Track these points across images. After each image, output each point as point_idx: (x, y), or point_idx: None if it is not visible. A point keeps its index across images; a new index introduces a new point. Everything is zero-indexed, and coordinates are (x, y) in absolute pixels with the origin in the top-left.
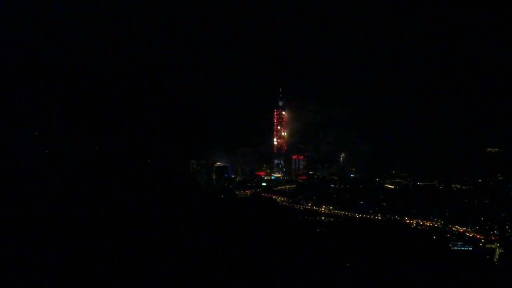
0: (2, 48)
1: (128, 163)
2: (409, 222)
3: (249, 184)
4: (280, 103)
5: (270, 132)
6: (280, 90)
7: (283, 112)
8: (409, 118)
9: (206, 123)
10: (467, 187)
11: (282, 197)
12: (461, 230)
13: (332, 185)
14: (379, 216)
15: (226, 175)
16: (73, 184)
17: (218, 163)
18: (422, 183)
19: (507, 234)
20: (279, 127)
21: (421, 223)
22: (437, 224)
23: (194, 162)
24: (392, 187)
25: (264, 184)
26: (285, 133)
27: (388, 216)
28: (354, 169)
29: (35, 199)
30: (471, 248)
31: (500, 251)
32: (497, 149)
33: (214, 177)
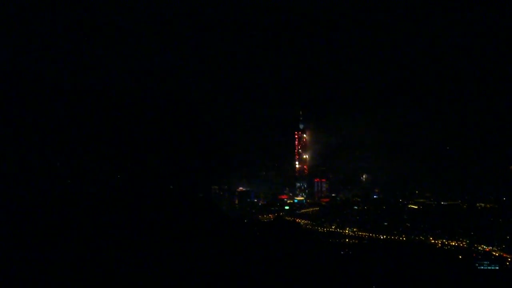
0: None
1: (152, 190)
2: (434, 242)
3: (272, 208)
4: (301, 126)
5: (291, 155)
6: (301, 113)
7: (304, 135)
8: (431, 138)
9: (228, 148)
10: (491, 205)
11: (305, 220)
12: (487, 249)
13: (356, 207)
14: (404, 237)
15: (249, 200)
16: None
17: (241, 188)
18: (445, 203)
19: None
20: (300, 150)
21: (446, 243)
22: (463, 244)
23: (217, 187)
24: (416, 207)
25: (287, 207)
26: (307, 156)
27: (412, 236)
28: (377, 190)
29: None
30: (497, 267)
31: None
32: None
33: (237, 202)
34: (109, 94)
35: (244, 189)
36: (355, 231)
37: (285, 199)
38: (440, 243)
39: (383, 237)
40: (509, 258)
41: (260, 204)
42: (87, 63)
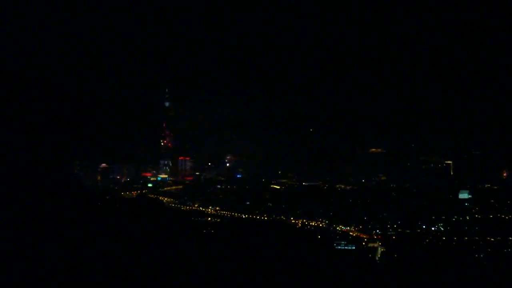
0: None
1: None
2: (295, 222)
3: (135, 185)
4: (167, 104)
5: (156, 132)
6: (167, 90)
7: (170, 112)
8: (295, 119)
9: (91, 121)
10: (350, 187)
11: (168, 198)
12: (345, 230)
13: (219, 186)
14: (265, 217)
15: (111, 176)
16: None
17: (104, 164)
18: (307, 183)
19: (389, 233)
20: (165, 128)
21: (306, 223)
22: (322, 224)
23: (78, 162)
24: (278, 187)
25: (150, 185)
26: (172, 134)
27: (274, 216)
28: (241, 170)
29: None
30: (354, 247)
31: (382, 249)
32: (379, 150)
33: (99, 178)
34: None
35: (106, 166)
36: (218, 210)
37: (149, 177)
38: (300, 223)
39: (245, 216)
40: (365, 238)
41: (122, 181)
42: None
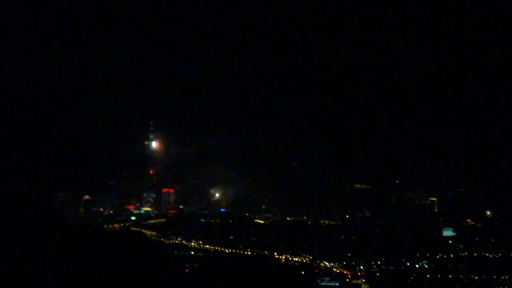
0: None
1: None
2: (278, 257)
3: (118, 218)
4: (151, 136)
5: (140, 165)
6: (152, 123)
7: (154, 145)
8: (280, 154)
9: (74, 152)
10: (335, 222)
11: (151, 231)
12: (329, 266)
13: (202, 220)
14: (249, 251)
15: (94, 209)
16: None
17: (87, 196)
18: (291, 219)
19: (372, 269)
20: (149, 161)
21: (290, 258)
22: (306, 260)
23: (61, 194)
24: (262, 222)
25: (133, 218)
26: (156, 167)
27: (257, 251)
28: (224, 204)
29: None
30: (337, 284)
31: (366, 286)
32: (364, 186)
33: (82, 210)
34: None
35: (90, 198)
36: (201, 243)
37: (132, 209)
38: (284, 258)
39: (228, 250)
40: (349, 274)
41: (106, 213)
42: None
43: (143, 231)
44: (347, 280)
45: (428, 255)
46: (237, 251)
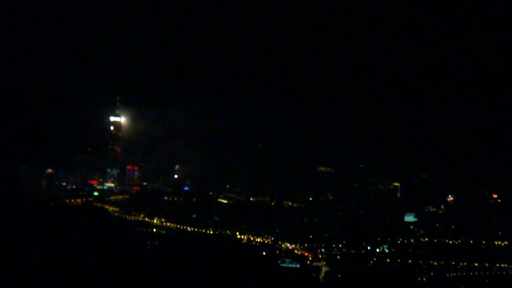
0: None
1: None
2: (241, 237)
3: (81, 193)
4: (117, 112)
5: (105, 140)
6: (118, 98)
7: (120, 121)
8: (246, 134)
9: (38, 126)
10: (298, 204)
11: (114, 207)
12: (291, 248)
13: (166, 197)
14: (211, 230)
15: (57, 183)
16: None
17: (49, 170)
18: (254, 199)
19: (333, 252)
20: (114, 136)
21: (252, 238)
22: (268, 241)
23: (24, 167)
24: (226, 201)
25: (96, 193)
26: (121, 143)
27: (220, 230)
28: (188, 182)
29: None
30: (298, 266)
31: (326, 269)
32: (328, 169)
33: (44, 184)
34: None
35: (53, 172)
36: (163, 221)
37: (95, 185)
38: (246, 239)
39: (190, 229)
40: (310, 256)
41: (68, 188)
42: None
43: (106, 206)
44: (308, 262)
45: (389, 239)
46: (199, 230)
